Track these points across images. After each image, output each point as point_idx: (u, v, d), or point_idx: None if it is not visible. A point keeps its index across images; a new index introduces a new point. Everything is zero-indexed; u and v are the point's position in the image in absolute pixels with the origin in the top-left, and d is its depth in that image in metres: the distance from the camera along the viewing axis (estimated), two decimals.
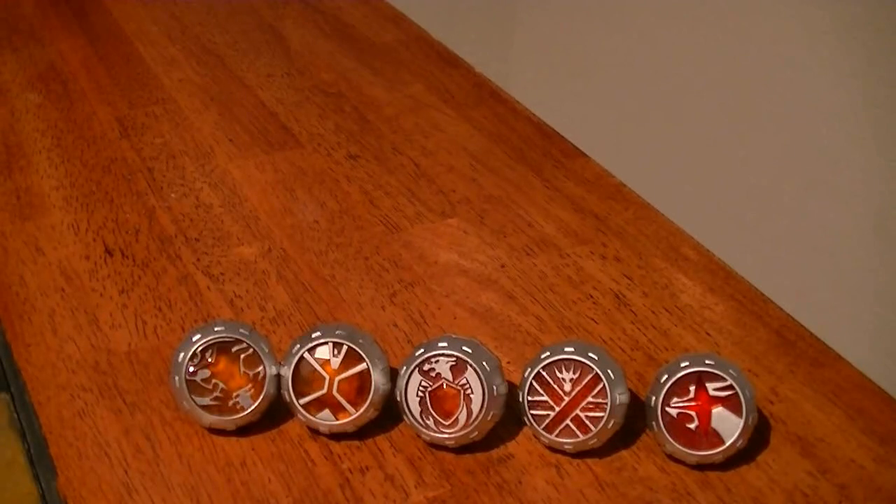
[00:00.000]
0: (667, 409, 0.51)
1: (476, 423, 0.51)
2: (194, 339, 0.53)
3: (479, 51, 0.92)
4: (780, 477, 0.51)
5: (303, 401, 0.53)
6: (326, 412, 0.52)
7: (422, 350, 0.52)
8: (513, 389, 0.54)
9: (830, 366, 0.59)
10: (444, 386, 0.52)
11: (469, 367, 0.51)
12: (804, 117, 0.61)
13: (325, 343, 0.52)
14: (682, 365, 0.51)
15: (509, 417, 0.54)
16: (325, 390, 0.52)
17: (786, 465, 0.52)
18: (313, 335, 0.53)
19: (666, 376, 0.51)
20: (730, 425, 0.51)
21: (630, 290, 0.64)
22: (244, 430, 0.54)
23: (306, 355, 0.53)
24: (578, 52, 0.80)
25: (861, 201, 0.58)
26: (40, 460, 0.53)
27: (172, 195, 0.74)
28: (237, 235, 0.70)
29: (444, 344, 0.52)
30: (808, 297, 0.63)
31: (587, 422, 0.51)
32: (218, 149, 0.80)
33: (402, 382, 0.52)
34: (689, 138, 0.70)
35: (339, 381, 0.52)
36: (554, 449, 0.53)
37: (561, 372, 0.52)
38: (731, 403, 0.51)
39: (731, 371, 0.51)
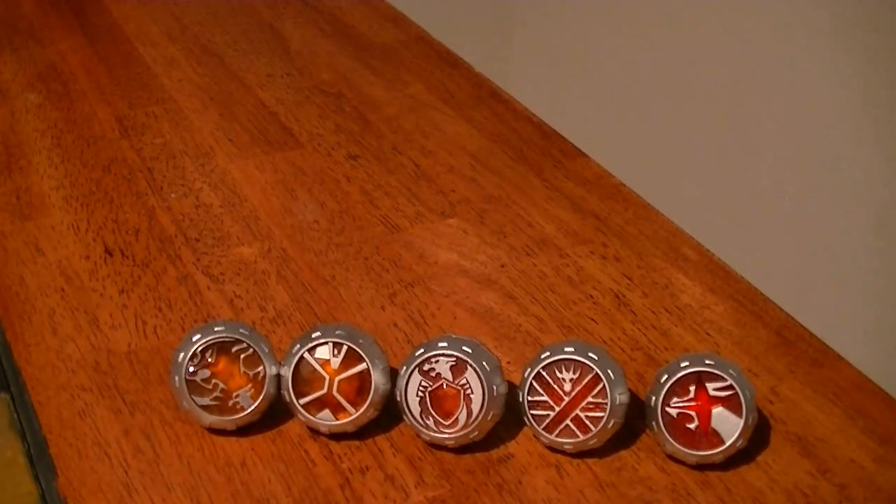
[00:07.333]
0: (667, 409, 0.51)
1: (476, 423, 0.51)
2: (194, 339, 0.53)
3: (479, 51, 0.92)
4: (780, 477, 0.51)
5: (303, 401, 0.53)
6: (326, 412, 0.52)
7: (422, 350, 0.52)
8: (513, 389, 0.54)
9: (830, 366, 0.58)
10: (444, 386, 0.52)
11: (469, 367, 0.51)
12: (804, 117, 0.61)
13: (325, 343, 0.52)
14: (682, 365, 0.51)
15: (509, 417, 0.54)
16: (325, 390, 0.52)
17: (786, 465, 0.52)
18: (313, 335, 0.53)
19: (666, 376, 0.51)
20: (730, 425, 0.51)
21: (630, 290, 0.64)
22: (244, 430, 0.54)
23: (306, 355, 0.53)
24: (578, 52, 0.80)
25: (861, 201, 0.58)
26: (40, 460, 0.53)
27: (172, 195, 0.74)
28: (237, 235, 0.70)
29: (444, 344, 0.52)
30: (808, 297, 0.63)
31: (587, 422, 0.51)
32: (218, 149, 0.80)
33: (402, 382, 0.52)
34: (689, 138, 0.70)
35: (339, 381, 0.52)
36: (554, 449, 0.53)
37: (561, 372, 0.52)
38: (731, 403, 0.51)
39: (731, 371, 0.51)
